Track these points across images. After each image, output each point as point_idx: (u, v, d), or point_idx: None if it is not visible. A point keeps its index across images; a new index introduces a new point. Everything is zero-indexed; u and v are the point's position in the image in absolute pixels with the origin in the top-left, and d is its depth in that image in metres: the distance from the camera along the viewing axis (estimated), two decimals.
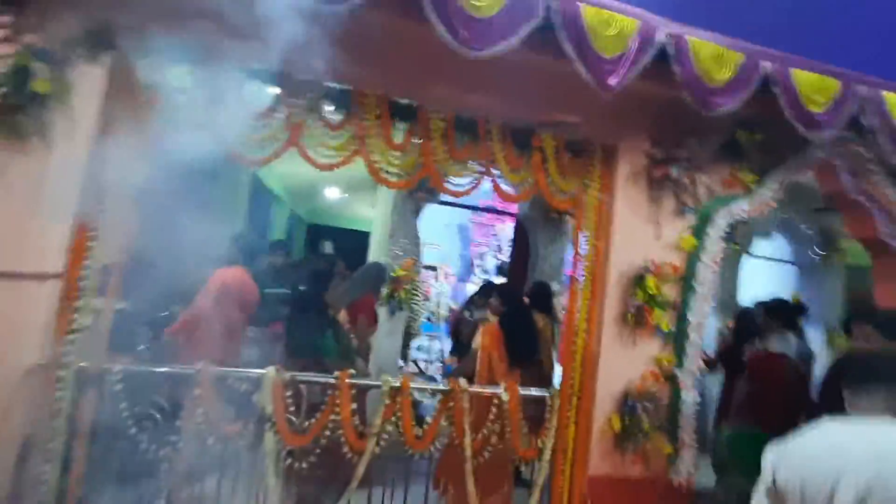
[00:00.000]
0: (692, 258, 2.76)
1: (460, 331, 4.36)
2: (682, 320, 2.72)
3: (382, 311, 4.03)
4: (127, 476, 2.29)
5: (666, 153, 2.73)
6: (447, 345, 5.55)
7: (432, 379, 5.33)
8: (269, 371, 2.37)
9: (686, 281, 2.75)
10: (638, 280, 2.69)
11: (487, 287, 4.70)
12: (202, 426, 2.28)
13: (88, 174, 2.14)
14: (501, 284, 3.42)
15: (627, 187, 2.79)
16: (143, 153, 2.02)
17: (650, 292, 2.65)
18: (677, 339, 2.71)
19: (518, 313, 3.14)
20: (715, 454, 3.13)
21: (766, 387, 2.80)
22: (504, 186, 2.78)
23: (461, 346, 4.23)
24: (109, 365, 2.23)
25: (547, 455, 2.65)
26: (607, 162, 2.81)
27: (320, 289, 2.95)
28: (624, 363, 2.71)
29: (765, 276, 5.38)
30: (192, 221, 2.15)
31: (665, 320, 2.67)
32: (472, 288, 6.42)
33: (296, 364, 2.58)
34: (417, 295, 4.29)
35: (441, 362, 5.59)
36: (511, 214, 5.56)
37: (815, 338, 4.29)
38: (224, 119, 2.16)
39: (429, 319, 6.63)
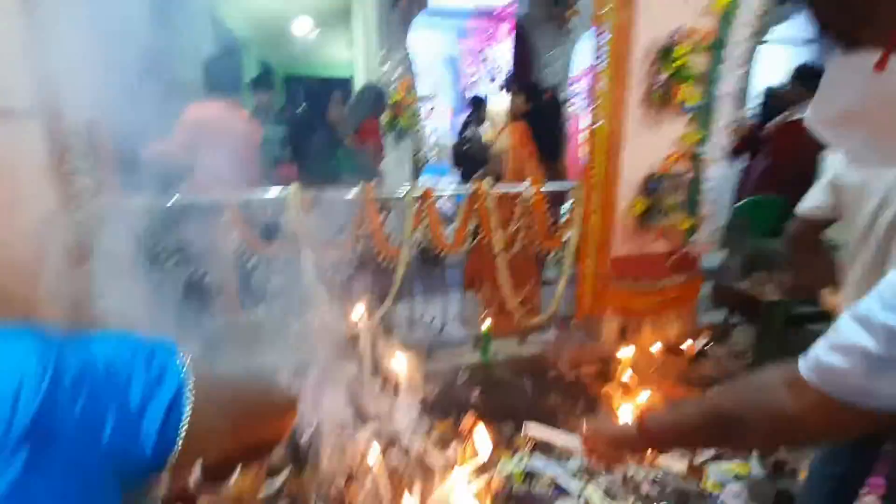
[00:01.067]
0: (724, 22, 2.51)
1: (466, 153, 4.26)
2: (709, 93, 2.58)
3: (387, 141, 3.87)
4: (169, 310, 2.38)
5: None
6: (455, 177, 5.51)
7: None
8: (292, 189, 2.32)
9: (715, 49, 2.54)
10: (664, 53, 2.47)
11: (477, 100, 4.50)
12: (236, 252, 2.30)
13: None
14: (521, 82, 3.19)
15: None
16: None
17: (678, 64, 2.46)
18: (704, 114, 2.60)
19: (543, 108, 3.00)
20: (728, 225, 3.25)
21: (788, 154, 2.78)
22: None
23: (470, 169, 4.18)
24: (125, 200, 2.16)
25: (572, 244, 2.75)
26: None
27: (321, 111, 2.74)
28: (648, 147, 2.65)
29: (781, 63, 5.09)
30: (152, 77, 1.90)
31: (693, 94, 2.53)
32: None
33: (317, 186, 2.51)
34: (419, 121, 4.07)
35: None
36: (507, 18, 5.00)
37: None
38: None
39: (429, 161, 6.48)
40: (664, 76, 2.47)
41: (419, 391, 1.53)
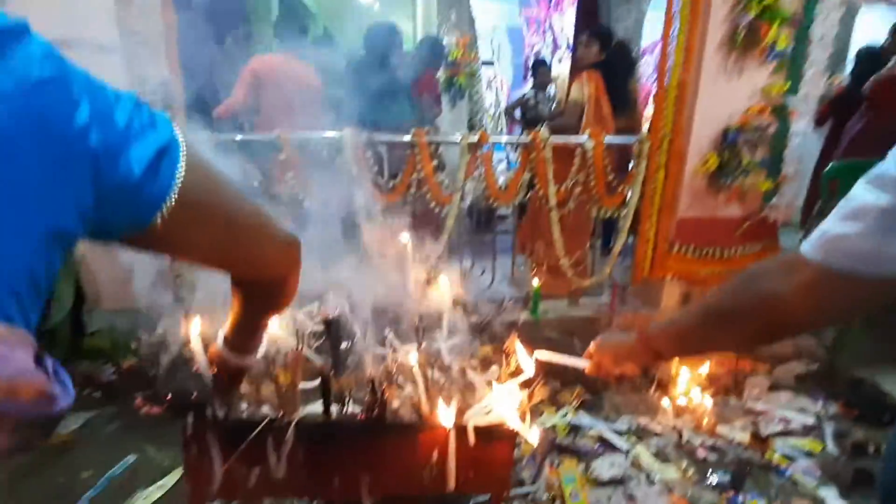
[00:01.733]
0: None
1: (529, 110, 4.13)
2: (801, 36, 2.31)
3: (444, 101, 3.81)
4: None
5: None
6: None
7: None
8: (347, 132, 2.33)
9: None
10: None
11: (540, 63, 4.36)
12: (293, 191, 2.35)
13: None
14: (594, 29, 3.03)
15: None
16: None
17: (767, 2, 2.21)
18: (794, 60, 2.34)
19: (617, 57, 2.84)
20: (808, 196, 2.96)
21: (888, 111, 2.46)
22: None
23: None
24: (195, 134, 2.26)
25: (633, 202, 2.59)
26: None
27: (385, 56, 2.74)
28: (726, 97, 2.42)
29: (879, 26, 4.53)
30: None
31: (783, 36, 2.27)
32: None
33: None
34: (478, 82, 3.98)
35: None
36: None
37: None
38: None
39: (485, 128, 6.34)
40: (749, 16, 2.23)
41: (463, 313, 1.49)
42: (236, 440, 0.95)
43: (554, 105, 4.08)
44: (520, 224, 3.10)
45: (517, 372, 1.14)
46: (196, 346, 0.91)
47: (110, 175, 0.42)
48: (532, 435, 1.05)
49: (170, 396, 0.92)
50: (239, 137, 2.33)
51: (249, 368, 0.93)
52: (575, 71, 3.08)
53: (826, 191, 2.52)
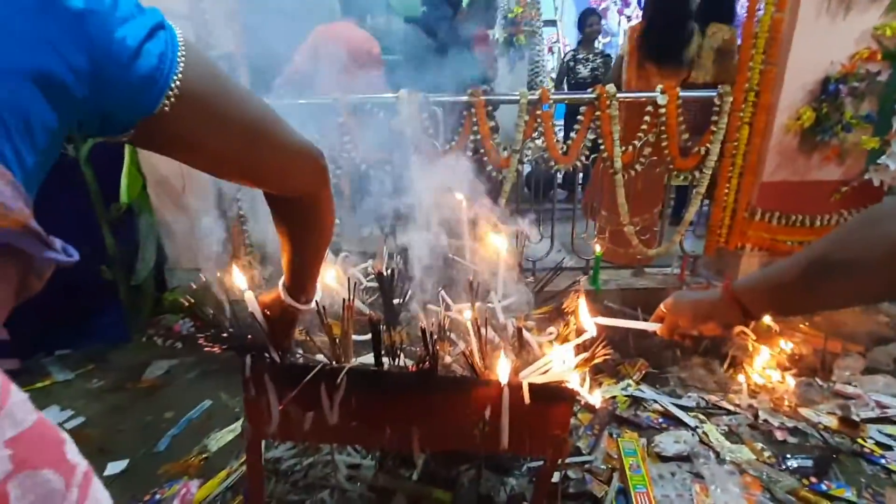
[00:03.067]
0: None
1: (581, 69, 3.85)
2: None
3: (502, 63, 3.66)
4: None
5: None
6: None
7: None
8: (402, 93, 2.29)
9: None
10: None
11: (588, 12, 4.03)
12: (352, 153, 2.36)
13: None
14: None
15: None
16: None
17: None
18: None
19: (667, 8, 2.57)
20: None
21: None
22: None
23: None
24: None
25: (711, 163, 2.36)
26: None
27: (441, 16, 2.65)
28: (827, 40, 2.12)
29: None
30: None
31: None
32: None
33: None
34: (539, 42, 3.77)
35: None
36: None
37: None
38: None
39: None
40: None
41: (519, 272, 1.43)
42: (292, 383, 0.96)
43: (600, 62, 3.77)
44: (584, 189, 2.94)
45: (579, 332, 1.07)
46: (246, 293, 0.92)
47: (103, 41, 0.41)
48: (594, 397, 0.99)
49: (227, 337, 0.95)
50: (300, 101, 2.35)
51: (304, 314, 0.93)
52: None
53: None
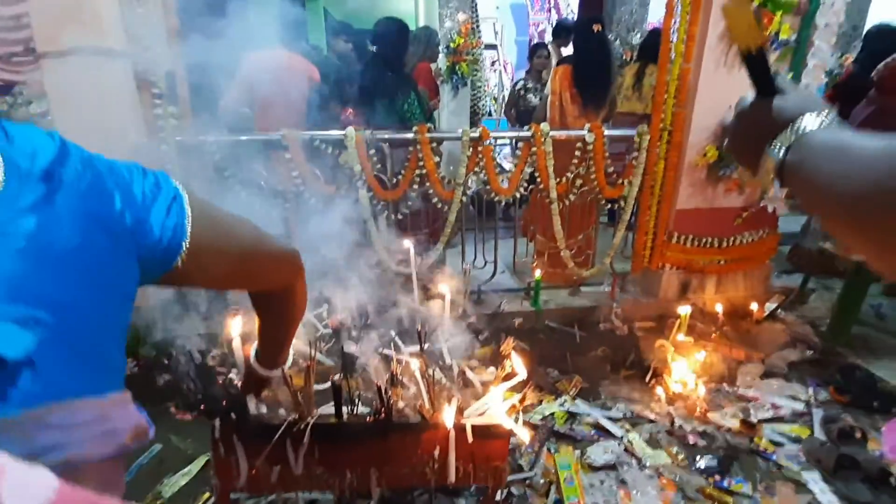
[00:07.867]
0: None
1: (520, 102, 4.08)
2: (805, 26, 2.30)
3: (445, 90, 3.83)
4: None
5: None
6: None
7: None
8: (350, 130, 2.38)
9: None
10: None
11: (537, 46, 4.25)
12: (298, 188, 2.42)
13: None
14: (573, 21, 2.99)
15: None
16: None
17: None
18: (798, 50, 2.34)
19: (590, 49, 2.81)
20: None
21: None
22: None
23: (527, 119, 4.03)
24: (204, 137, 2.32)
25: (633, 193, 2.64)
26: None
27: (396, 51, 2.75)
28: (726, 88, 2.42)
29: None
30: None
31: (786, 25, 2.27)
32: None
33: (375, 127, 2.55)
34: (480, 69, 3.96)
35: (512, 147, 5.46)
36: None
37: None
38: None
39: (490, 115, 6.31)
40: (752, 5, 2.22)
41: (463, 315, 1.57)
42: (259, 441, 1.05)
43: (542, 95, 4.02)
44: (523, 212, 3.15)
45: (511, 374, 1.23)
46: (238, 352, 1.01)
47: (142, 242, 0.51)
48: (523, 434, 1.15)
49: (202, 405, 1.03)
50: (244, 137, 2.39)
51: (273, 379, 1.03)
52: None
53: None
